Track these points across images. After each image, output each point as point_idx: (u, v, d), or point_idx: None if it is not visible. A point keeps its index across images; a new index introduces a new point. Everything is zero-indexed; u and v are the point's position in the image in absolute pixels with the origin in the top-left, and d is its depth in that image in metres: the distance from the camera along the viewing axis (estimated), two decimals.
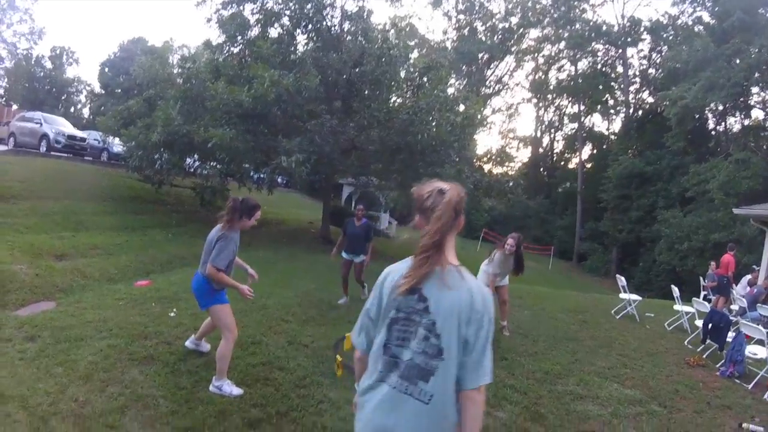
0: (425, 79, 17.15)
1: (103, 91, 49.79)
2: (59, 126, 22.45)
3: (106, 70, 50.97)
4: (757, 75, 28.11)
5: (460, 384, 1.94)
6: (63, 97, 63.44)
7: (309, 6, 16.41)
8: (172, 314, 6.83)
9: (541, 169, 53.14)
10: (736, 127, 33.87)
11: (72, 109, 62.94)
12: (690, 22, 36.05)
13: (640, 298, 11.28)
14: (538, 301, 11.17)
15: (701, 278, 15.28)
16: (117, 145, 21.23)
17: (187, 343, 5.46)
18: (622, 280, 11.47)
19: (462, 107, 16.86)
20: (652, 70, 41.66)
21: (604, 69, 44.56)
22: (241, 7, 17.43)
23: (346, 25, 17.51)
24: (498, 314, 7.76)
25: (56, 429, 3.79)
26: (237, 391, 4.57)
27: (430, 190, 2.10)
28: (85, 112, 61.52)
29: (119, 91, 37.71)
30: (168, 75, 19.01)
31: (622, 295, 10.96)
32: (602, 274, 33.35)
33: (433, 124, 14.83)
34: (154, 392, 4.46)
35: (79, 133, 23.26)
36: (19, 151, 19.89)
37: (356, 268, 8.61)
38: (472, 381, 1.93)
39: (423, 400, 1.91)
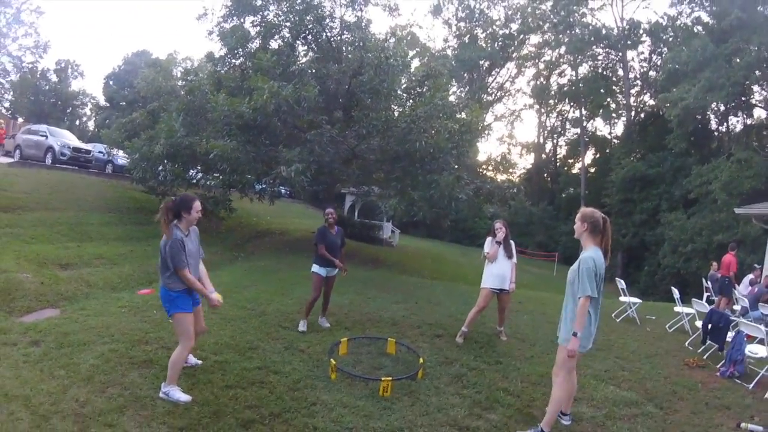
0: (425, 87, 17.33)
1: (108, 104, 50.13)
2: (64, 138, 22.72)
3: (111, 82, 51.33)
4: (757, 73, 28.18)
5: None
6: (68, 110, 63.83)
7: (309, 17, 16.59)
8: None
9: (545, 175, 53.17)
10: (738, 127, 34.02)
11: (77, 122, 63.42)
12: (689, 23, 36.13)
13: (639, 300, 11.28)
14: (539, 305, 11.23)
15: (703, 279, 15.33)
16: (121, 157, 21.52)
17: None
18: (621, 283, 11.55)
19: (462, 115, 16.98)
20: (652, 73, 41.70)
21: (604, 73, 44.71)
22: (242, 20, 17.70)
23: (345, 36, 17.68)
24: (496, 320, 7.89)
25: (57, 427, 3.96)
26: (185, 397, 4.60)
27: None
28: (90, 124, 61.92)
29: (123, 103, 38.05)
30: (171, 87, 19.26)
31: (622, 298, 11.00)
32: (607, 279, 33.14)
33: (432, 132, 14.97)
34: (152, 393, 4.63)
35: (84, 146, 23.53)
36: (25, 164, 20.13)
37: (330, 283, 7.67)
38: None
39: None
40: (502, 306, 7.64)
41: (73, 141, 23.29)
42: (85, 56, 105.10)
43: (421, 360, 5.98)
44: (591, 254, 4.21)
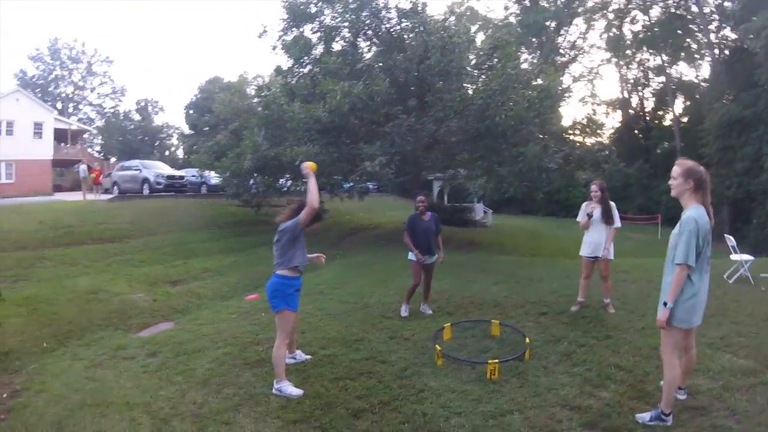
0: (494, 59, 16.97)
1: (192, 131, 52.83)
2: (158, 169, 24.25)
3: (191, 111, 54.23)
4: None
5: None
6: (156, 143, 68.56)
7: (365, 13, 16.66)
8: None
9: (635, 132, 50.17)
10: None
11: (166, 153, 67.89)
12: None
13: (752, 258, 10.31)
14: (645, 273, 10.51)
15: None
16: (213, 177, 22.52)
17: (288, 360, 5.55)
18: (731, 240, 10.59)
19: (539, 80, 16.50)
20: (728, 3, 37.99)
21: (678, 12, 41.52)
22: (301, 29, 18.02)
23: (404, 24, 17.57)
24: (601, 291, 7.50)
25: (176, 428, 4.20)
26: (297, 391, 4.72)
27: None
28: (179, 152, 65.89)
29: (206, 128, 39.90)
30: (248, 105, 19.98)
31: (734, 257, 10.14)
32: (715, 237, 31.10)
33: (510, 103, 14.62)
34: (266, 391, 4.80)
35: (177, 173, 25.04)
36: (124, 197, 21.74)
37: (429, 271, 7.60)
38: None
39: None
40: (603, 274, 7.22)
41: (166, 170, 24.84)
42: (162, 93, 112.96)
43: (527, 340, 5.80)
44: (693, 214, 3.75)
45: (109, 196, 22.76)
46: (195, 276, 11.31)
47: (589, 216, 7.04)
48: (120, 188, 23.98)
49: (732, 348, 5.68)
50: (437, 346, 5.53)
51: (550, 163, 14.68)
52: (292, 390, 4.74)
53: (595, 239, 7.10)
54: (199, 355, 5.91)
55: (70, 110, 59.92)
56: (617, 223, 7.14)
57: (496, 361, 5.06)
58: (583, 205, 7.24)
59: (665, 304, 3.74)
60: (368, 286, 9.88)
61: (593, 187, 7.13)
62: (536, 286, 9.52)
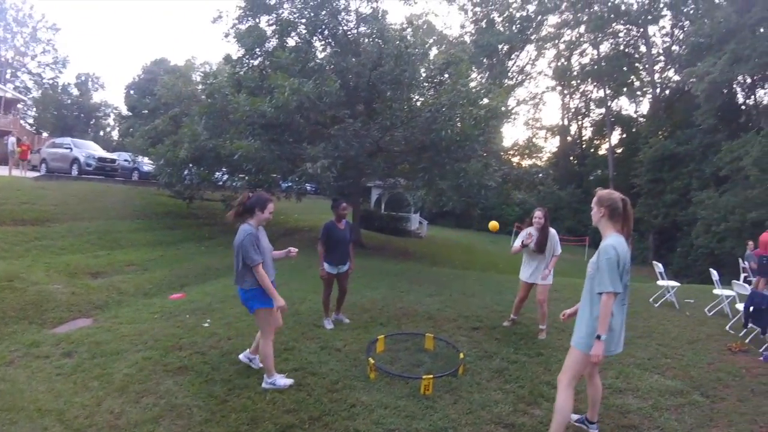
0: (446, 75, 17.06)
1: (130, 113, 50.87)
2: (89, 150, 23.04)
3: (132, 92, 52.12)
4: None
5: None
6: (91, 122, 65.33)
7: (323, 12, 16.47)
8: (206, 324, 6.93)
9: (571, 158, 52.12)
10: (766, 100, 32.88)
11: (101, 133, 64.88)
12: None
13: (678, 284, 10.91)
14: (575, 292, 10.83)
15: (740, 260, 14.85)
16: (147, 164, 21.69)
17: (241, 357, 5.50)
18: (659, 267, 11.14)
19: (485, 100, 16.70)
20: (675, 47, 40.48)
21: (626, 50, 43.56)
22: (257, 20, 17.61)
23: (362, 28, 17.48)
24: (537, 317, 7.45)
25: None
26: (288, 381, 4.90)
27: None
28: (114, 134, 63.30)
29: (146, 111, 38.44)
30: (191, 92, 19.30)
31: (660, 282, 10.68)
32: (639, 262, 32.47)
33: (456, 119, 14.72)
34: (188, 402, 4.51)
35: (109, 155, 23.87)
36: (52, 177, 20.49)
37: (343, 280, 7.40)
38: None
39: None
40: (539, 299, 7.14)
41: (98, 151, 23.64)
42: (105, 69, 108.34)
43: (462, 355, 5.77)
44: (612, 242, 3.69)
45: (36, 174, 21.47)
46: (118, 269, 10.63)
47: (524, 245, 6.96)
48: (48, 166, 22.70)
49: (659, 369, 5.98)
50: (370, 359, 5.37)
51: (489, 181, 14.88)
52: (284, 381, 4.86)
53: (534, 264, 7.11)
54: (118, 358, 5.51)
55: (8, 76, 56.12)
56: (557, 250, 7.09)
57: (431, 376, 4.97)
58: (523, 232, 7.11)
59: (599, 337, 3.63)
60: (300, 291, 9.62)
61: (537, 214, 6.97)
62: (469, 300, 9.63)
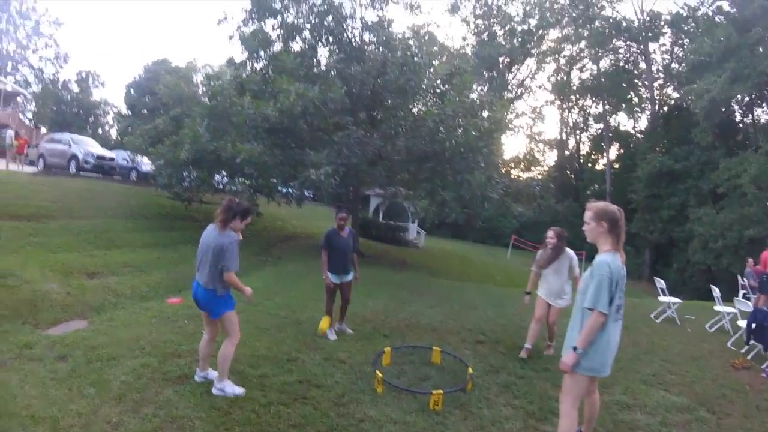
0: (448, 86, 17.01)
1: (130, 112, 50.72)
2: (88, 147, 22.83)
3: (132, 91, 51.92)
4: None
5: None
6: (90, 119, 64.89)
7: (329, 19, 16.44)
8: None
9: (568, 172, 52.25)
10: (764, 118, 33.32)
11: (99, 131, 64.45)
12: (710, 13, 35.31)
13: (680, 300, 10.92)
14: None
15: (738, 276, 14.81)
16: (146, 164, 21.51)
17: (197, 378, 5.06)
18: (660, 283, 11.20)
19: (486, 113, 16.66)
20: (675, 65, 40.82)
21: (626, 66, 43.92)
22: (262, 23, 17.54)
23: (367, 36, 17.46)
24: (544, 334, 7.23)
25: None
26: (239, 390, 4.71)
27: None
28: (113, 133, 62.91)
29: (145, 111, 38.32)
30: (193, 93, 19.17)
31: (662, 298, 10.75)
32: (635, 278, 32.53)
33: (460, 130, 14.66)
34: (189, 413, 4.32)
35: (108, 153, 23.62)
36: (49, 172, 20.29)
37: (345, 289, 7.36)
38: None
39: None
40: (550, 320, 6.88)
41: (97, 149, 23.41)
42: (106, 67, 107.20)
43: (470, 370, 5.66)
44: (607, 259, 3.57)
45: (34, 170, 21.25)
46: (114, 270, 10.40)
47: (538, 266, 6.75)
48: (46, 162, 22.44)
49: (665, 385, 6.03)
50: (378, 372, 5.24)
51: (492, 193, 14.81)
52: (235, 388, 4.70)
53: (552, 285, 6.70)
54: (114, 364, 5.28)
55: (8, 69, 55.65)
56: (575, 271, 6.61)
57: (441, 391, 4.85)
58: (539, 252, 6.90)
59: (575, 348, 3.54)
60: (300, 299, 9.54)
61: (549, 234, 6.67)
62: (471, 313, 9.65)
